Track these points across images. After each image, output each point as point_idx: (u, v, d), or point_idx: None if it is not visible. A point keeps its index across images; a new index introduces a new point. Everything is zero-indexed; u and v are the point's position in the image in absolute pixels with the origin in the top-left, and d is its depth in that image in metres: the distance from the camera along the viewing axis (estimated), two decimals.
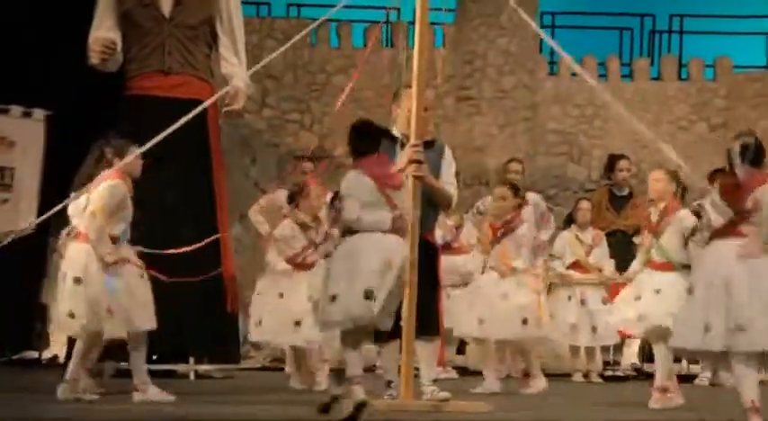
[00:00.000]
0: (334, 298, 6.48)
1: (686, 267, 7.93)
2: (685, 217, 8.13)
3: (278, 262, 9.25)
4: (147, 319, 7.54)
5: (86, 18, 9.70)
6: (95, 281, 7.34)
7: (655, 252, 8.20)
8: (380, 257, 6.48)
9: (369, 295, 6.41)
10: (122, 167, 7.58)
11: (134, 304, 7.46)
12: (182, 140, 8.59)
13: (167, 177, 8.59)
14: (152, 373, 8.69)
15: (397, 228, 6.60)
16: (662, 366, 8.08)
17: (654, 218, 8.27)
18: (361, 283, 6.41)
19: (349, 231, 6.62)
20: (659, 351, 8.11)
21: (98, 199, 7.40)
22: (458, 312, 9.74)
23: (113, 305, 7.33)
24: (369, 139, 6.78)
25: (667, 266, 8.11)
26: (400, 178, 6.86)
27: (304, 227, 9.42)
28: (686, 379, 11.34)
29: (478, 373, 10.96)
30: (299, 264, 9.33)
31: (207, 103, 8.28)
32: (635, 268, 8.52)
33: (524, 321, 9.19)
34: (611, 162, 11.74)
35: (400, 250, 6.62)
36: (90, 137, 11.85)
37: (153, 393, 7.46)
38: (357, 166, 6.73)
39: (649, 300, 8.10)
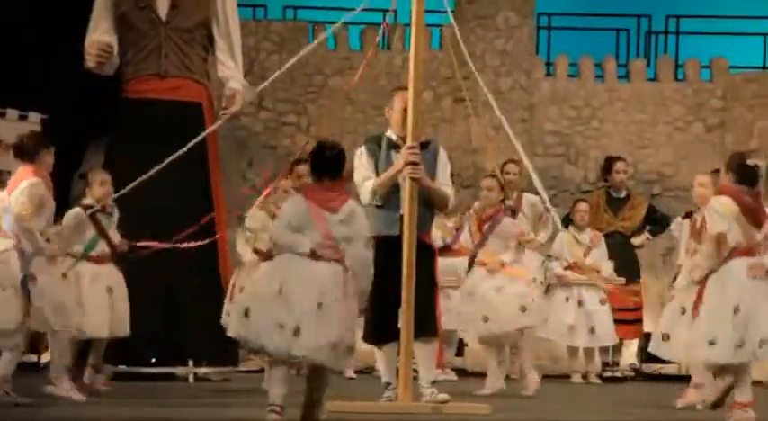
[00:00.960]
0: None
1: None
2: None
3: (246, 253, 9.14)
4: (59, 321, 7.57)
5: (83, 20, 9.70)
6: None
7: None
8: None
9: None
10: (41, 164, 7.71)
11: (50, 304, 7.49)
12: (180, 143, 8.61)
13: (165, 179, 8.59)
14: (152, 376, 8.73)
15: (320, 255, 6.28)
16: None
17: (698, 224, 7.77)
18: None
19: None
20: None
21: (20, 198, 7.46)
22: (463, 317, 9.61)
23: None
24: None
25: None
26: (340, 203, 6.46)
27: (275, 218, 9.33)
28: (682, 379, 11.36)
29: (478, 375, 10.96)
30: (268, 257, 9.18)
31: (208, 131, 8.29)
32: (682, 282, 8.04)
33: (523, 309, 9.10)
34: (609, 164, 11.74)
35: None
36: (85, 139, 11.88)
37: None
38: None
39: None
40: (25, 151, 7.61)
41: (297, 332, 6.13)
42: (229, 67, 9.89)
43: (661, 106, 14.35)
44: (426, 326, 7.56)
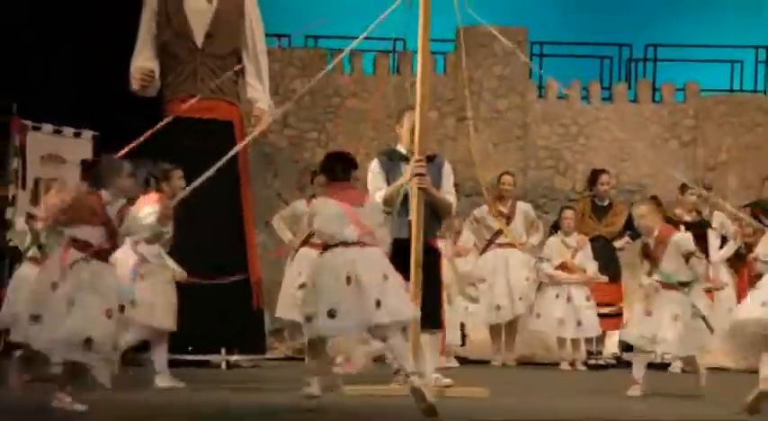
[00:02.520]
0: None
1: (684, 285, 7.90)
2: (681, 239, 7.96)
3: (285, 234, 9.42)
4: None
5: (128, 51, 9.72)
6: None
7: (660, 277, 7.93)
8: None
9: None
10: (166, 190, 7.64)
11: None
12: (214, 158, 8.61)
13: (200, 190, 8.59)
14: (188, 363, 8.71)
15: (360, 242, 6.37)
16: None
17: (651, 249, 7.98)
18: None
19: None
20: None
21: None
22: None
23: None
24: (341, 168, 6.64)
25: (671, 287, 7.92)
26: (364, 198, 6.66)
27: None
28: (660, 367, 11.34)
29: (477, 362, 10.97)
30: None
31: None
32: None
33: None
34: (594, 176, 11.71)
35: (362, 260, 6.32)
36: (131, 155, 11.88)
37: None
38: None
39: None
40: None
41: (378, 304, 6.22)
42: (257, 90, 9.89)
43: (640, 125, 14.33)
44: (432, 319, 7.56)
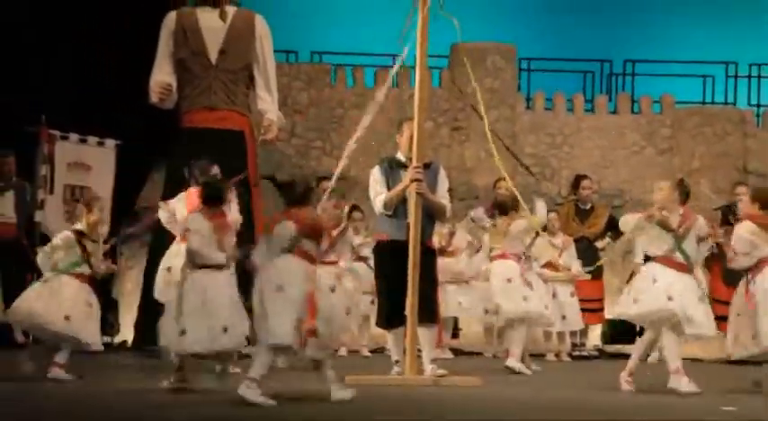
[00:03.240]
0: None
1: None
2: (703, 223, 7.63)
3: None
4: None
5: (149, 67, 9.74)
6: None
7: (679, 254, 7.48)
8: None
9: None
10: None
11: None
12: (226, 166, 8.64)
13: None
14: (201, 355, 8.65)
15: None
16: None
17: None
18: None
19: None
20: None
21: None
22: None
23: None
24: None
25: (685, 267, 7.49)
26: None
27: None
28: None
29: (471, 353, 10.98)
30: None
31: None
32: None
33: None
34: (576, 181, 11.72)
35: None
36: (151, 163, 11.90)
37: None
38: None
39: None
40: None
41: None
42: (267, 102, 9.89)
43: (620, 134, 14.35)
44: (428, 314, 7.57)
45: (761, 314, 7.20)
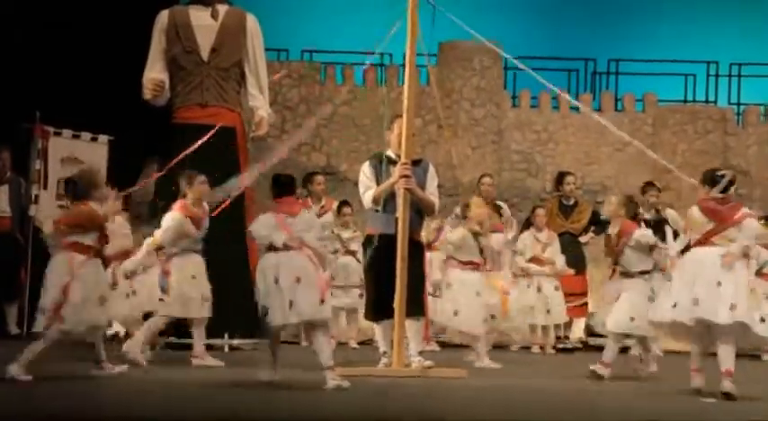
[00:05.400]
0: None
1: (644, 273, 7.92)
2: (642, 236, 7.96)
3: None
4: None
5: (141, 64, 9.72)
6: None
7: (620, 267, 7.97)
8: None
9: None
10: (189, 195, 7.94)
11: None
12: (218, 161, 8.65)
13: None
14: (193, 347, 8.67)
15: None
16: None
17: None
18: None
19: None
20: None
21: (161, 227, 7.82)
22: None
23: None
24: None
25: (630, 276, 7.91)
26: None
27: None
28: (621, 350, 11.38)
29: (456, 346, 10.98)
30: None
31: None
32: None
33: (492, 317, 9.10)
34: (561, 177, 11.73)
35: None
36: (143, 158, 11.88)
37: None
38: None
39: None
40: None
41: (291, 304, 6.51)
42: (258, 99, 9.88)
43: (603, 132, 14.37)
44: (416, 307, 7.58)
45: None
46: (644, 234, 7.97)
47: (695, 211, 6.94)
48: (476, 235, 8.85)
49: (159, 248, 7.91)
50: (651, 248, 7.94)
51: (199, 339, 8.15)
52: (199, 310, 8.06)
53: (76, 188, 6.91)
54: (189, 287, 7.98)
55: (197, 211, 8.03)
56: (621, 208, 7.99)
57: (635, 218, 8.09)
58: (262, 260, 6.74)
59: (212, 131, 8.54)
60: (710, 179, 6.96)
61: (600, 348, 11.30)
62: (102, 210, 6.90)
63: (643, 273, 7.93)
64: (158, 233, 7.86)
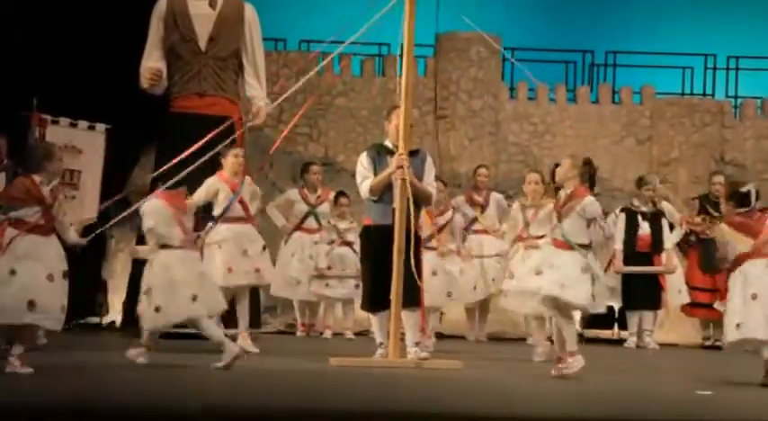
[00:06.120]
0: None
1: (583, 247, 7.18)
2: (590, 204, 7.26)
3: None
4: None
5: (139, 52, 9.68)
6: None
7: (557, 233, 7.25)
8: None
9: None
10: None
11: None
12: (214, 149, 8.60)
13: (202, 178, 8.59)
14: (193, 336, 8.67)
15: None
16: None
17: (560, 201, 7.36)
18: None
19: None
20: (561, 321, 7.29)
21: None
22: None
23: None
24: None
25: (565, 246, 7.18)
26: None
27: None
28: (616, 342, 11.39)
29: (452, 337, 10.98)
30: None
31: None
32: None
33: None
34: (556, 169, 11.67)
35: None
36: (140, 147, 11.84)
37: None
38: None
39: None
40: None
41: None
42: (255, 88, 9.86)
43: (601, 124, 14.36)
44: (412, 298, 7.57)
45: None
46: (594, 202, 7.29)
47: (725, 228, 7.01)
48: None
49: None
50: (589, 223, 7.23)
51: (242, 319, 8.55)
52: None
53: (27, 160, 6.65)
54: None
55: (233, 180, 8.54)
56: (573, 170, 7.36)
57: (592, 186, 7.37)
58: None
59: (215, 132, 8.57)
60: (738, 198, 7.00)
61: (596, 341, 11.35)
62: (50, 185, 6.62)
63: (582, 246, 7.18)
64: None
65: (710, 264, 8.10)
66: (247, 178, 8.79)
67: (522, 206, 9.06)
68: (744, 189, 7.02)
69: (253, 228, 8.76)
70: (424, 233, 8.69)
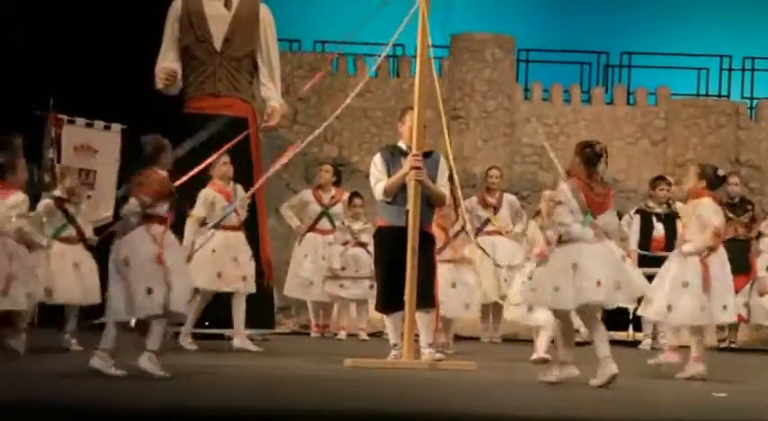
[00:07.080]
0: None
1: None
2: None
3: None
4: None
5: (154, 53, 9.71)
6: None
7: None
8: None
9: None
10: None
11: None
12: (230, 152, 8.65)
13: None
14: (206, 336, 8.71)
15: None
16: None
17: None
18: None
19: None
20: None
21: None
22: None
23: None
24: None
25: None
26: None
27: None
28: (631, 344, 11.36)
29: (466, 338, 10.97)
30: None
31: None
32: None
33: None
34: None
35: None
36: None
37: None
38: None
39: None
40: None
41: None
42: (270, 89, 9.88)
43: (616, 125, 14.32)
44: (426, 299, 7.57)
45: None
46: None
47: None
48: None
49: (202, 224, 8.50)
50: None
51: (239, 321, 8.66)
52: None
53: (143, 154, 6.41)
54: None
55: (225, 188, 8.70)
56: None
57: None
58: None
59: (233, 142, 8.66)
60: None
61: (612, 342, 11.30)
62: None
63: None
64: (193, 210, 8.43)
65: None
66: (238, 186, 8.85)
67: (540, 227, 8.87)
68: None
69: (243, 236, 8.85)
70: (437, 245, 8.62)
